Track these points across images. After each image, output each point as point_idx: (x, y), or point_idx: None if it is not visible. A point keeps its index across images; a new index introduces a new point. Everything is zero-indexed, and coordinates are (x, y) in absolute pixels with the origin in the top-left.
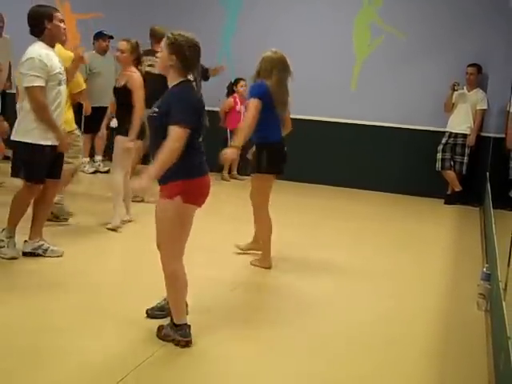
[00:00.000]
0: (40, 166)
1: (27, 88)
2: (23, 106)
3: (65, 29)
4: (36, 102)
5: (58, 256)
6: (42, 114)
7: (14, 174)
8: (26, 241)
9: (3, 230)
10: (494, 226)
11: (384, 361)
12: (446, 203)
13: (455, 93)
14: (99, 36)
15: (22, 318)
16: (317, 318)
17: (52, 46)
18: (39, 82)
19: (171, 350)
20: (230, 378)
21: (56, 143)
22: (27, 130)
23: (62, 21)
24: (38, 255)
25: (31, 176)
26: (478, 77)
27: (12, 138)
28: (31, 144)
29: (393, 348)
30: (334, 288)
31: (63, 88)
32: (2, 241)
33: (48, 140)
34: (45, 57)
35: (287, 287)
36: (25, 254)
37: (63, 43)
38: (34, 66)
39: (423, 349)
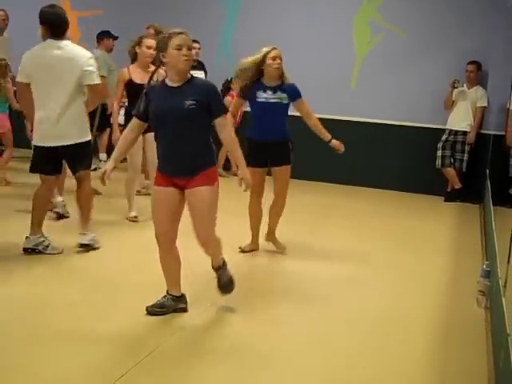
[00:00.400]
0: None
1: (97, 85)
2: (74, 106)
3: None
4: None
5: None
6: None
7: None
8: (83, 233)
9: (27, 237)
10: (493, 223)
11: (383, 359)
12: (445, 200)
13: (455, 90)
14: (105, 35)
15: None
16: (313, 318)
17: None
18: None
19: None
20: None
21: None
22: (85, 129)
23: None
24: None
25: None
26: (477, 74)
27: (74, 141)
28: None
29: (392, 345)
30: (332, 284)
31: None
32: (43, 241)
33: None
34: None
35: (285, 283)
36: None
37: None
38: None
39: (423, 346)
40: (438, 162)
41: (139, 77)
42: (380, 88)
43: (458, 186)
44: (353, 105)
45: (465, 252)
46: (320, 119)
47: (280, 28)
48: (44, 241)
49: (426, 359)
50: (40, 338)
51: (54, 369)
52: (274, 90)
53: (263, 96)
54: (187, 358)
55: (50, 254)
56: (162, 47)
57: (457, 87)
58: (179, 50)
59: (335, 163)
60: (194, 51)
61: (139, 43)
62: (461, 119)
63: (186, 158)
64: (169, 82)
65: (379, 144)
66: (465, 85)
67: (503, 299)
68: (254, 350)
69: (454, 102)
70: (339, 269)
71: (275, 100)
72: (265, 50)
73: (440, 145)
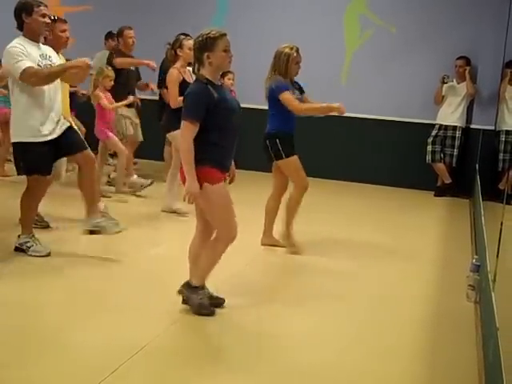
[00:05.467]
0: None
1: (20, 75)
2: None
3: (47, 23)
4: (34, 78)
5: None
6: (44, 79)
7: None
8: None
9: (19, 235)
10: (483, 217)
11: (373, 352)
12: (435, 195)
13: (445, 85)
14: (110, 36)
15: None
16: (304, 312)
17: (34, 40)
18: (27, 64)
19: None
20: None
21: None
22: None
23: (44, 15)
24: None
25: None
26: (466, 69)
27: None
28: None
29: (382, 339)
30: (322, 277)
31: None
32: (27, 241)
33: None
34: (20, 46)
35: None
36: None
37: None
38: (16, 52)
39: (412, 339)
40: (428, 157)
41: (187, 76)
42: (370, 84)
43: (448, 180)
44: (343, 100)
45: (454, 246)
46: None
47: (270, 24)
48: (101, 220)
49: (415, 353)
50: (29, 334)
51: (43, 366)
52: (293, 86)
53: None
54: (180, 353)
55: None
56: (208, 48)
57: (446, 82)
58: (226, 51)
59: (325, 159)
60: None
61: (180, 46)
62: (451, 114)
63: (234, 151)
64: (214, 81)
65: (369, 139)
66: (454, 80)
67: (493, 293)
68: (246, 346)
69: (443, 97)
70: (328, 262)
71: (299, 97)
72: (292, 46)
73: (430, 140)
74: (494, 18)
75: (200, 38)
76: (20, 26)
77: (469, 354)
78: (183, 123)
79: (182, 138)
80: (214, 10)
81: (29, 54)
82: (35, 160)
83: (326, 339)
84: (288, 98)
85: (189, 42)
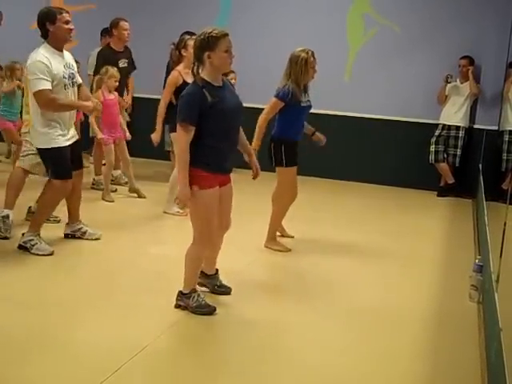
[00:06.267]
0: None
1: (35, 93)
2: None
3: (71, 29)
4: (47, 103)
5: (96, 239)
6: (56, 108)
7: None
8: (67, 223)
9: (23, 233)
10: (486, 218)
11: (375, 353)
12: (438, 195)
13: (448, 85)
14: (105, 32)
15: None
16: (305, 312)
17: (58, 48)
18: (47, 85)
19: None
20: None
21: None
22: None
23: (67, 22)
24: (78, 237)
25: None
26: (469, 69)
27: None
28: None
29: (384, 339)
30: (325, 278)
31: (72, 90)
32: (32, 239)
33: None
34: (46, 60)
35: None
36: (66, 236)
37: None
38: (40, 69)
39: (415, 339)
40: (431, 157)
41: (189, 78)
42: (373, 83)
43: (450, 180)
44: (346, 99)
45: (457, 247)
46: (313, 113)
47: (274, 22)
48: (82, 227)
49: (417, 353)
50: (31, 333)
51: (44, 365)
52: (305, 91)
53: (305, 99)
54: (181, 353)
55: (88, 239)
56: (210, 47)
57: (450, 82)
58: (227, 52)
59: (328, 158)
60: None
61: (185, 46)
62: (454, 114)
63: (235, 151)
64: (213, 82)
65: (372, 139)
66: (458, 79)
67: (496, 294)
68: (247, 346)
69: (447, 96)
70: (330, 262)
71: (308, 104)
72: (308, 51)
73: (433, 140)
74: (497, 17)
75: (202, 37)
76: (44, 35)
77: (471, 355)
78: (177, 126)
79: (176, 141)
80: (217, 10)
81: (54, 68)
82: (65, 164)
83: (328, 339)
84: (270, 105)
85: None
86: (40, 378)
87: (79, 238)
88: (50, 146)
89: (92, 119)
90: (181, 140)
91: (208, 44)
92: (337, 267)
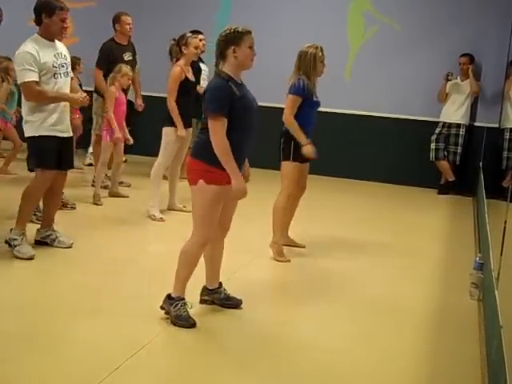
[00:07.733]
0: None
1: (21, 84)
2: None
3: (65, 28)
4: (34, 95)
5: (67, 247)
6: (42, 100)
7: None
8: (38, 229)
9: (11, 229)
10: (486, 215)
11: (376, 350)
12: (439, 193)
13: (449, 83)
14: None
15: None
16: (309, 310)
17: (49, 39)
18: (33, 77)
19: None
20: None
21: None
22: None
23: (63, 20)
24: (47, 244)
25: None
26: (469, 67)
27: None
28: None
29: (385, 336)
30: (325, 276)
31: (64, 80)
32: (16, 239)
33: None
34: (33, 51)
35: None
36: (37, 243)
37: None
38: (26, 60)
39: (416, 337)
40: (432, 155)
41: (189, 74)
42: (374, 81)
43: (451, 178)
44: (347, 97)
45: (458, 244)
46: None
47: (274, 21)
48: (51, 234)
49: (418, 350)
50: (31, 331)
51: (45, 363)
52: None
53: (316, 95)
54: (181, 351)
55: (58, 247)
56: (235, 41)
57: (450, 80)
58: (251, 48)
59: (328, 156)
60: (201, 43)
61: (186, 43)
62: (455, 112)
63: (250, 150)
64: (236, 79)
65: (373, 136)
66: (458, 77)
67: (496, 291)
68: (249, 344)
69: (447, 94)
70: (331, 260)
71: (318, 100)
72: (317, 46)
73: (434, 137)
74: (498, 15)
75: (227, 32)
76: (37, 23)
77: (472, 352)
78: (209, 122)
79: (214, 136)
80: (217, 9)
81: (42, 57)
82: (48, 153)
83: (329, 338)
84: (289, 103)
85: (195, 41)
86: (40, 376)
87: (50, 245)
88: (37, 134)
89: (111, 114)
90: (217, 134)
91: (234, 39)
92: (337, 265)
